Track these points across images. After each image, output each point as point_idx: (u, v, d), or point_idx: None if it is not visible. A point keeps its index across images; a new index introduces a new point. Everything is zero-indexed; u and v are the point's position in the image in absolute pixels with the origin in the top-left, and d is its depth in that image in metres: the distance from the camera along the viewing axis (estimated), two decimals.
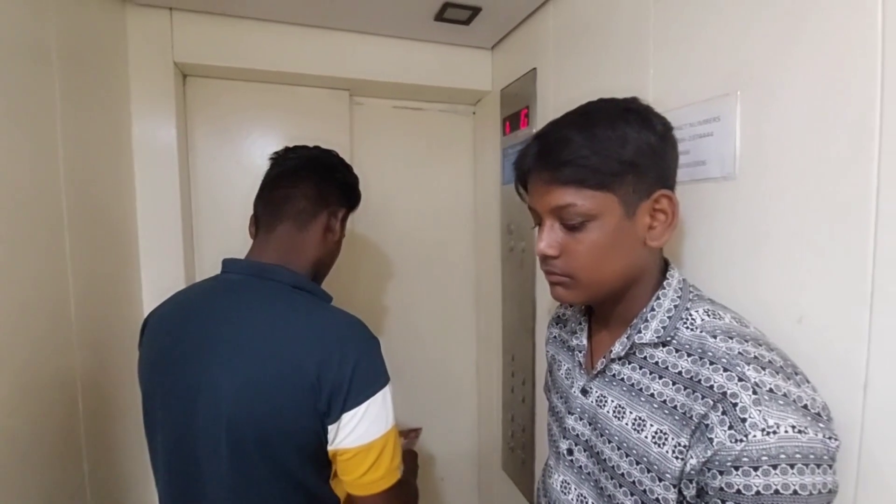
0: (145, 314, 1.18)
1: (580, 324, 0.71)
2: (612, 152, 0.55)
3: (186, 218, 1.27)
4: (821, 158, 0.58)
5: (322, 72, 1.31)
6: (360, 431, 0.69)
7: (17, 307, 0.74)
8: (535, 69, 1.21)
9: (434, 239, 1.62)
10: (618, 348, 0.61)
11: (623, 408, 0.59)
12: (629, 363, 0.61)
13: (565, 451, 0.68)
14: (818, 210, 0.58)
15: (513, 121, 1.34)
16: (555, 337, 0.81)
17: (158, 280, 1.20)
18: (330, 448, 0.70)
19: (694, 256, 0.74)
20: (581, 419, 0.66)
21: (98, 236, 1.00)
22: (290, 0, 1.14)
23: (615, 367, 0.63)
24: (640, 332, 0.59)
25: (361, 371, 0.70)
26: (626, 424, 0.58)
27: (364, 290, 1.54)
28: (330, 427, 0.68)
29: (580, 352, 0.69)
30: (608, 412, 0.61)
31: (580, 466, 0.66)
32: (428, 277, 1.63)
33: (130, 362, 1.12)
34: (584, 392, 0.66)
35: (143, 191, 1.18)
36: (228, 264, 0.82)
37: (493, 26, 1.30)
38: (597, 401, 0.64)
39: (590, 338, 0.70)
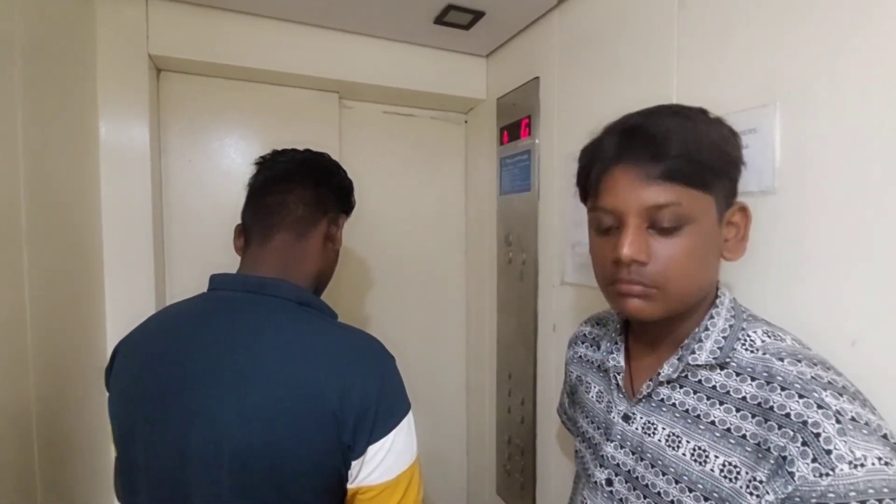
0: (109, 338, 1.07)
1: (616, 343, 0.66)
2: (717, 148, 0.52)
3: (157, 229, 1.15)
4: (873, 171, 0.56)
5: (311, 72, 1.24)
6: (387, 465, 0.61)
7: None
8: (537, 78, 1.18)
9: (422, 248, 1.56)
10: (667, 370, 0.57)
11: (678, 436, 0.55)
12: (681, 387, 0.56)
13: (603, 482, 0.63)
14: (871, 225, 0.56)
15: (511, 130, 1.30)
16: (580, 356, 0.76)
17: (125, 301, 1.08)
18: (351, 486, 0.62)
19: (734, 275, 0.70)
20: (622, 447, 0.61)
21: (59, 250, 0.88)
22: None
23: (663, 391, 0.58)
24: (693, 352, 0.55)
25: (386, 396, 0.63)
26: (684, 455, 0.53)
27: (346, 301, 1.45)
28: (354, 462, 0.60)
29: (618, 374, 0.64)
30: (659, 441, 0.56)
31: (621, 499, 0.61)
32: (415, 289, 1.56)
33: (90, 392, 1.00)
34: (626, 418, 0.61)
35: (109, 197, 1.06)
36: (219, 280, 0.73)
37: (493, 33, 1.26)
38: (643, 428, 0.59)
39: (627, 359, 0.65)
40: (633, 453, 0.59)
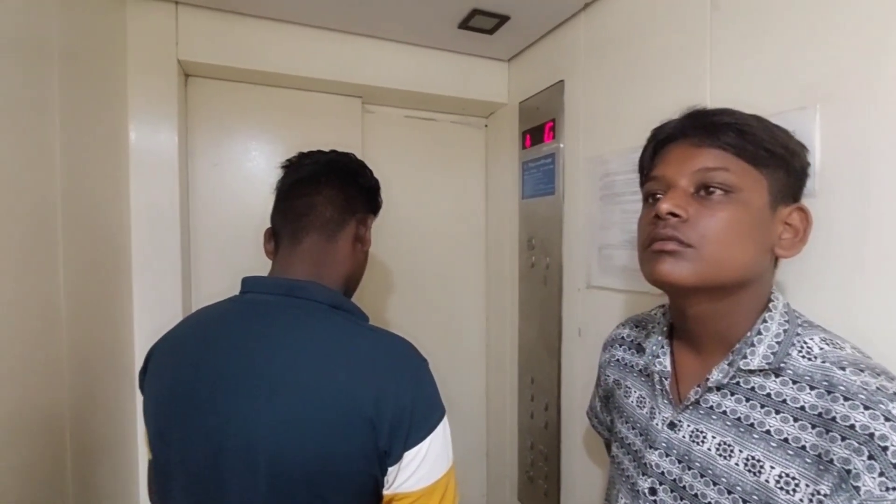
0: (136, 340, 1.08)
1: (662, 346, 0.65)
2: (774, 134, 0.54)
3: (185, 232, 1.16)
4: None
5: (335, 77, 1.24)
6: (423, 471, 0.60)
7: (4, 330, 0.62)
8: (562, 81, 1.18)
9: (442, 252, 1.56)
10: (717, 376, 0.55)
11: (730, 445, 0.53)
12: (732, 394, 0.55)
13: (647, 490, 0.62)
14: None
15: (534, 134, 1.29)
16: (617, 360, 0.75)
17: (152, 303, 1.08)
18: (387, 492, 0.61)
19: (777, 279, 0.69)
20: (667, 455, 0.60)
21: (91, 254, 0.89)
22: (308, 1, 1.07)
23: (713, 397, 0.57)
24: (745, 357, 0.54)
25: (421, 401, 0.62)
26: (737, 465, 0.52)
27: (365, 304, 1.44)
28: (390, 469, 0.60)
29: (665, 378, 0.63)
30: (709, 449, 0.55)
31: None
32: (434, 293, 1.55)
33: (120, 394, 1.00)
34: (672, 426, 0.60)
35: (138, 201, 1.07)
36: (251, 283, 0.72)
37: (516, 37, 1.26)
38: (691, 436, 0.57)
39: (672, 363, 0.64)
40: (680, 462, 0.58)
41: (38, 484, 0.70)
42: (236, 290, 0.73)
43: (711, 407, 0.56)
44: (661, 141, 0.59)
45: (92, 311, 0.88)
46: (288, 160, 0.82)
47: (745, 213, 0.52)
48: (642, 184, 0.63)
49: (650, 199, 0.59)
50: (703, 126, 0.55)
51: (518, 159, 1.38)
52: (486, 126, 1.59)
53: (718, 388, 0.56)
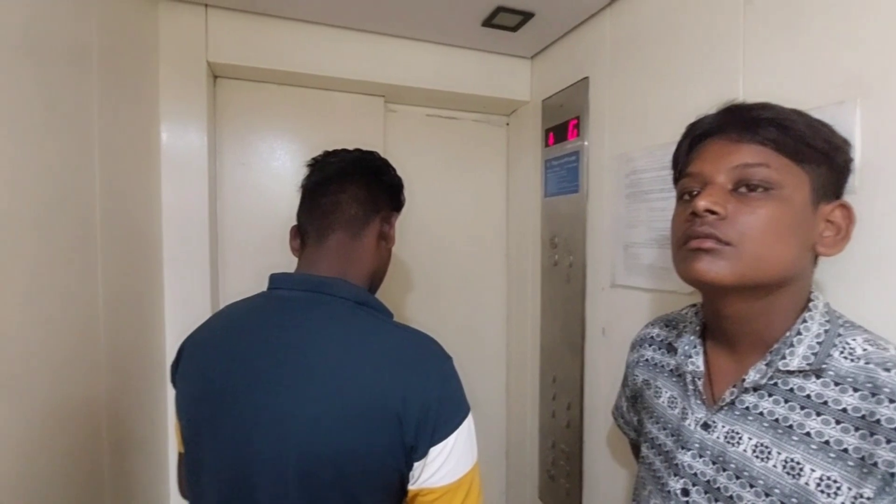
0: (168, 334, 1.11)
1: (694, 346, 0.64)
2: (815, 128, 0.53)
3: (213, 230, 1.18)
4: None
5: (359, 76, 1.25)
6: (448, 468, 0.61)
7: (45, 325, 0.65)
8: (587, 78, 1.17)
9: (463, 251, 1.56)
10: (754, 376, 0.54)
11: (767, 447, 0.52)
12: (770, 395, 0.54)
13: (679, 491, 0.61)
14: None
15: (558, 132, 1.29)
16: (647, 360, 0.74)
17: (182, 300, 1.11)
18: (412, 487, 0.62)
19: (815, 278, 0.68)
20: (701, 456, 0.59)
21: (127, 249, 0.91)
22: (333, 1, 1.08)
23: (749, 398, 0.56)
24: (784, 357, 0.53)
25: (447, 397, 0.62)
26: (775, 467, 0.51)
27: (386, 302, 1.45)
28: (416, 464, 0.60)
29: (698, 378, 0.62)
30: (745, 451, 0.54)
31: None
32: (455, 291, 1.56)
33: (152, 389, 1.03)
34: (706, 426, 0.59)
35: (168, 200, 1.09)
36: (278, 279, 0.73)
37: (540, 34, 1.26)
38: (726, 437, 0.56)
39: (705, 363, 0.63)
40: (714, 463, 0.57)
41: (78, 473, 0.73)
42: (262, 287, 0.74)
43: (748, 408, 0.55)
44: (698, 136, 0.58)
45: (126, 310, 0.91)
46: (314, 159, 0.82)
47: (787, 211, 0.51)
48: (676, 180, 0.62)
49: (686, 195, 0.58)
50: (743, 121, 0.53)
51: (541, 157, 1.37)
52: (507, 124, 1.58)
53: (755, 389, 0.55)
